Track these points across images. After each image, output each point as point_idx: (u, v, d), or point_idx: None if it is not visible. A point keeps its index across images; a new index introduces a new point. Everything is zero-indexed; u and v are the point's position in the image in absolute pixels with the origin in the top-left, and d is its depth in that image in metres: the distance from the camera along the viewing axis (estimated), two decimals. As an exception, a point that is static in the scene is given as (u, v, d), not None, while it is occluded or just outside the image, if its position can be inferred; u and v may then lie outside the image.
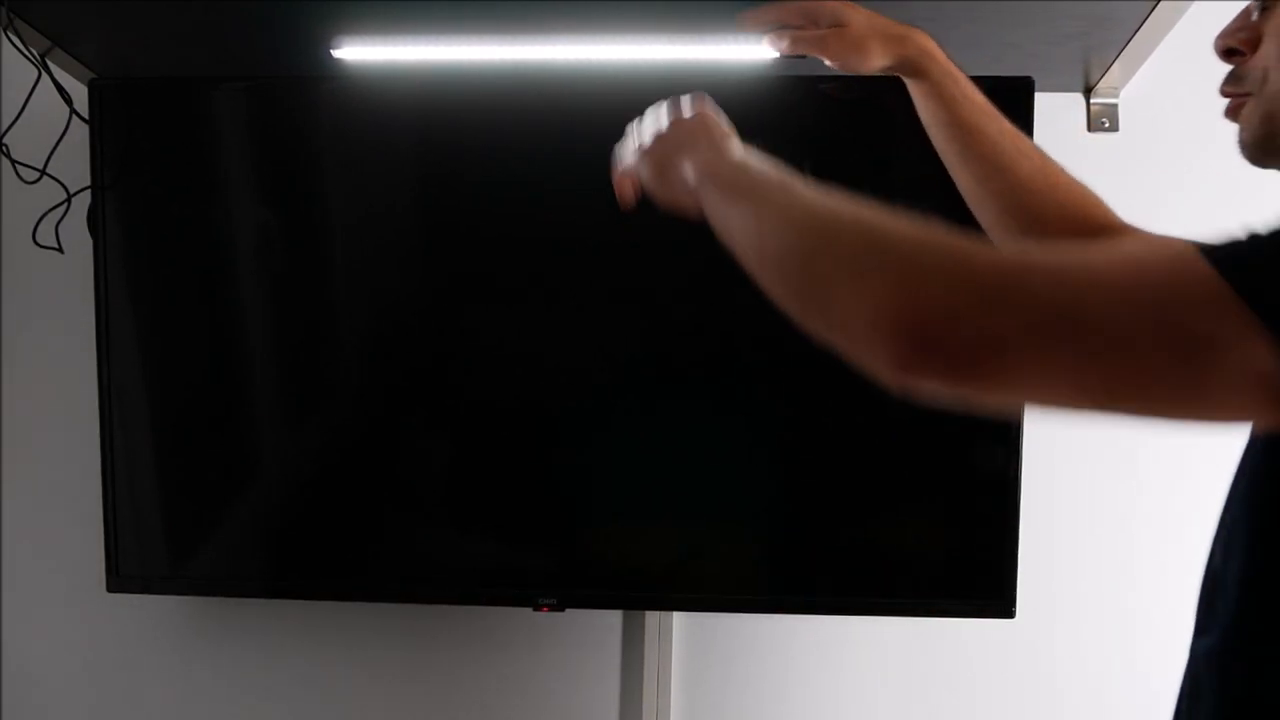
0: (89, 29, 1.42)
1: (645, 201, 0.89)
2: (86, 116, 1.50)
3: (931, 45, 1.07)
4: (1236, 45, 0.80)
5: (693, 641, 1.67)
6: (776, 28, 1.10)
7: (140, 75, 1.54)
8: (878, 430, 1.48)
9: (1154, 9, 1.27)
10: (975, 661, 1.63)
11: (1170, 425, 0.64)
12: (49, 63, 1.46)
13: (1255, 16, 0.79)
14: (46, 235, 1.51)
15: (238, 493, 1.57)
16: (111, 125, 1.51)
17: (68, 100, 1.47)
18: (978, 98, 1.08)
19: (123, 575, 1.57)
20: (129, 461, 1.55)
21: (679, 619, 1.67)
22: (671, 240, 1.49)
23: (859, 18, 1.07)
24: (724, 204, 0.82)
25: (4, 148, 1.47)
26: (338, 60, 1.38)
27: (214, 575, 1.59)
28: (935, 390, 0.64)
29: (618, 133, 0.90)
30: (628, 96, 1.43)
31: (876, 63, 1.09)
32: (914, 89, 1.10)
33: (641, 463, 1.52)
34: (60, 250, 1.53)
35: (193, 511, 1.58)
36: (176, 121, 1.54)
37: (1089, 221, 1.00)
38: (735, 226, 0.80)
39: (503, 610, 1.65)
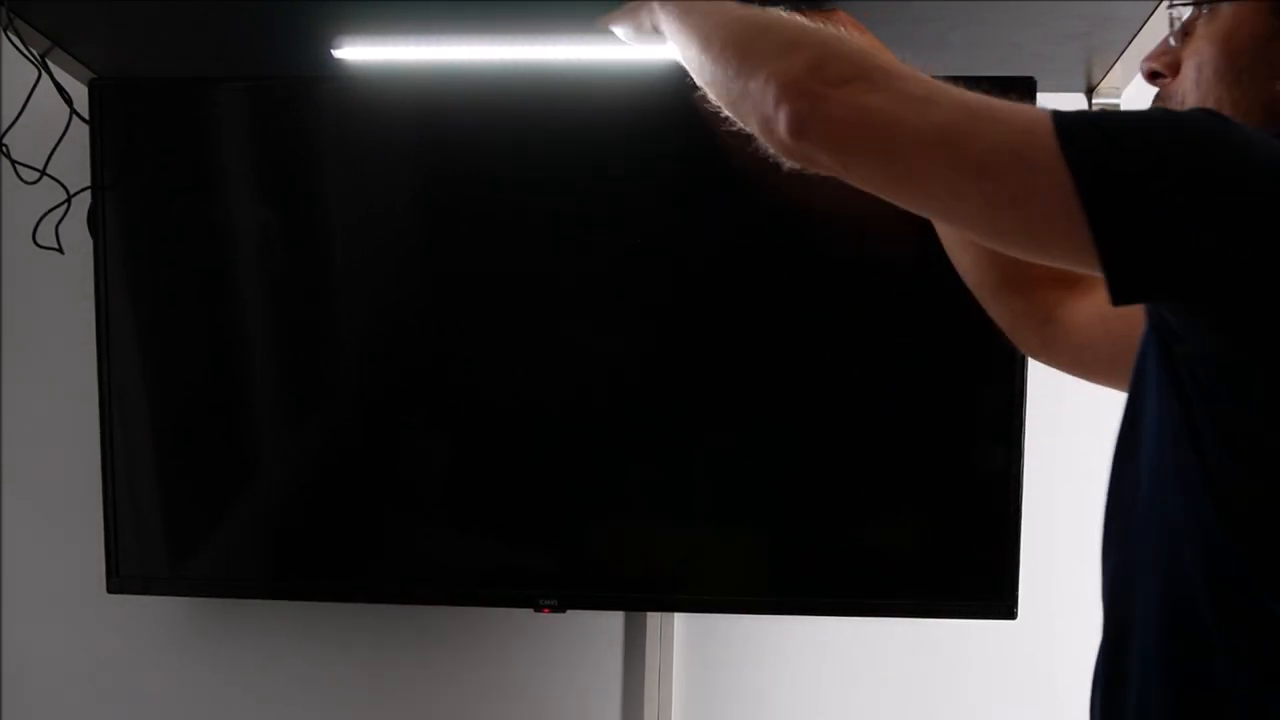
0: (89, 29, 1.42)
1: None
2: (86, 116, 1.50)
3: None
4: (1160, 69, 0.86)
5: (694, 643, 1.67)
6: None
7: (140, 75, 1.54)
8: (878, 431, 1.48)
9: (1155, 9, 1.26)
10: (976, 663, 1.63)
11: (987, 236, 0.77)
12: (49, 63, 1.46)
13: (1174, 43, 0.84)
14: (46, 235, 1.51)
15: (238, 493, 1.57)
16: (111, 125, 1.51)
17: (68, 100, 1.47)
18: None
19: (123, 575, 1.57)
20: (129, 461, 1.55)
21: (680, 620, 1.66)
22: (673, 241, 1.50)
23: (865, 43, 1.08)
24: (679, 20, 0.92)
25: (4, 148, 1.47)
26: (338, 60, 1.38)
27: (214, 576, 1.58)
28: (819, 158, 0.77)
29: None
30: (629, 96, 1.45)
31: None
32: None
33: (643, 463, 1.51)
34: (60, 250, 1.53)
35: (193, 512, 1.58)
36: (176, 121, 1.54)
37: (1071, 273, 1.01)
38: (686, 40, 0.90)
39: (503, 611, 1.65)
